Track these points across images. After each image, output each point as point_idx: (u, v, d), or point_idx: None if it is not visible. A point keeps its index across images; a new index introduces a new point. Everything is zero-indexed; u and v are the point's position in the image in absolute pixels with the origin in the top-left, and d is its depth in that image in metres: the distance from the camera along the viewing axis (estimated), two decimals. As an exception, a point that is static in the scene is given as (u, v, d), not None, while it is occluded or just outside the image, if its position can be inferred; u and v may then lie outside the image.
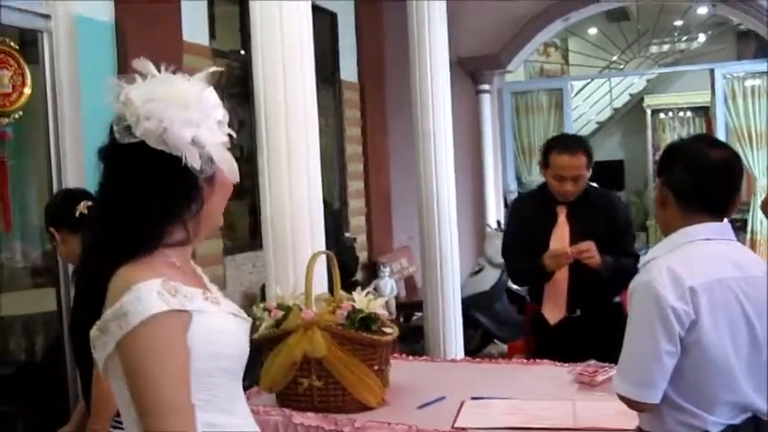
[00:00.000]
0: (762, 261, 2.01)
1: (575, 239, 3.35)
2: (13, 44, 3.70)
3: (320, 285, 2.91)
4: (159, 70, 1.47)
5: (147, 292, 1.34)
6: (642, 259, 1.99)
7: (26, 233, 5.86)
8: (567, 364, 2.91)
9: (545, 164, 3.46)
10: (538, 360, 3.12)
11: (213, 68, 1.53)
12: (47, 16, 3.87)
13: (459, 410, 2.49)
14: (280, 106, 3.24)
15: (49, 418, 3.69)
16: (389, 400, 2.61)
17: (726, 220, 2.01)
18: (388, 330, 2.59)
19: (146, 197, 1.41)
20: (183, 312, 1.37)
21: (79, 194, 2.64)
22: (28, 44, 3.88)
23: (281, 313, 2.56)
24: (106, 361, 1.39)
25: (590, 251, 3.25)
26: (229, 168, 1.47)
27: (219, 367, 1.43)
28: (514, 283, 5.22)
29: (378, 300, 2.59)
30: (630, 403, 1.88)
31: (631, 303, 1.89)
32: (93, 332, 1.39)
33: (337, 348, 2.47)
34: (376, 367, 2.55)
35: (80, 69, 3.91)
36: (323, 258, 2.83)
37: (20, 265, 6.03)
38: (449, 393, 2.66)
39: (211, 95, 1.46)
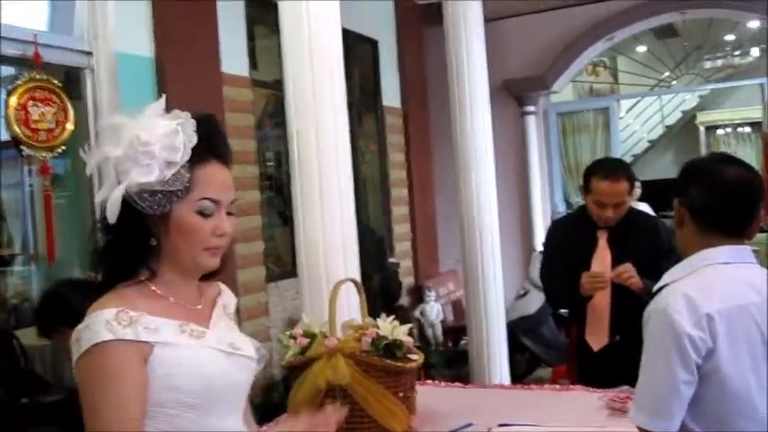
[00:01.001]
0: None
1: (616, 265, 3.28)
2: (56, 81, 3.83)
3: (356, 312, 2.92)
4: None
5: (96, 321, 1.41)
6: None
7: (79, 263, 6.03)
8: (599, 390, 2.86)
9: (586, 189, 3.41)
10: (570, 386, 3.07)
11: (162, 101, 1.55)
12: (89, 53, 4.01)
13: (485, 438, 2.47)
14: (311, 134, 3.27)
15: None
16: (416, 426, 2.59)
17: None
18: (413, 357, 2.58)
19: (107, 234, 1.50)
20: (137, 342, 1.41)
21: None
22: (71, 81, 4.02)
23: (306, 341, 2.58)
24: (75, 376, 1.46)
25: (628, 272, 3.19)
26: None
27: (179, 401, 1.45)
28: (551, 305, 5.16)
29: (402, 326, 2.58)
30: None
31: (646, 331, 1.86)
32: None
33: (361, 375, 2.47)
34: (401, 394, 2.54)
35: (122, 104, 4.03)
36: (355, 286, 2.83)
37: (75, 294, 6.20)
38: (477, 420, 2.64)
39: (169, 136, 1.46)
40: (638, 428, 1.85)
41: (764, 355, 1.80)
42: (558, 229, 3.87)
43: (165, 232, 1.49)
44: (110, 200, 1.46)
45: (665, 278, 1.93)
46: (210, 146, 1.52)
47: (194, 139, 1.48)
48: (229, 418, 1.55)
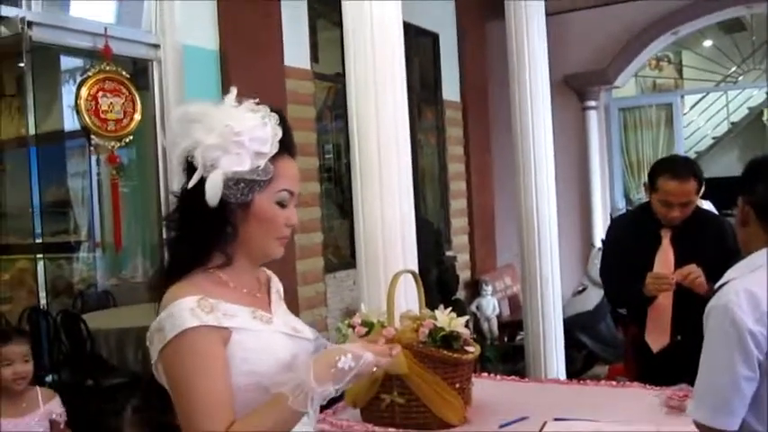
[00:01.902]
0: None
1: (680, 265, 3.19)
2: (124, 73, 3.94)
3: (413, 303, 2.95)
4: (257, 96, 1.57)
5: (180, 309, 1.44)
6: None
7: (145, 251, 6.20)
8: (656, 388, 2.83)
9: (652, 187, 3.33)
10: (627, 383, 3.05)
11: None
12: (156, 46, 4.12)
13: (540, 431, 2.47)
14: (371, 127, 3.31)
15: (159, 423, 3.90)
16: (471, 418, 2.61)
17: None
18: (469, 349, 2.60)
19: (185, 218, 1.54)
20: (219, 328, 1.46)
21: None
22: (139, 72, 4.13)
23: (364, 330, 2.62)
24: (155, 366, 1.51)
25: (694, 273, 3.09)
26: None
27: (257, 384, 1.48)
28: (613, 305, 5.11)
29: (460, 318, 2.60)
30: (707, 431, 1.82)
31: (707, 327, 1.84)
32: (147, 341, 1.51)
33: (418, 366, 2.50)
34: (457, 385, 2.56)
35: (187, 95, 4.13)
36: (413, 277, 2.86)
37: (139, 280, 6.40)
38: (533, 413, 2.64)
39: (258, 128, 1.51)
40: (696, 424, 1.83)
41: None
42: (619, 227, 3.79)
43: (243, 220, 1.54)
44: (210, 184, 1.49)
45: (727, 275, 1.90)
46: (285, 139, 1.57)
47: (280, 133, 1.54)
48: None
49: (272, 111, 1.57)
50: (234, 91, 1.58)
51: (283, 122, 1.58)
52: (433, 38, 7.18)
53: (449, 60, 7.39)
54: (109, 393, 4.62)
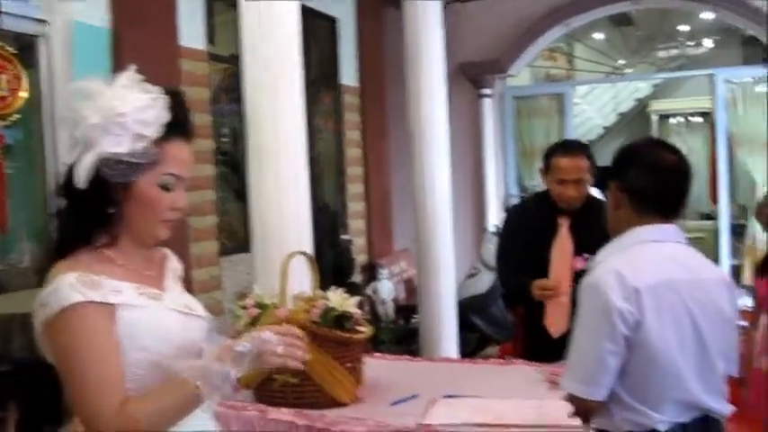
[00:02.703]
0: (710, 263, 2.07)
1: (578, 253, 3.27)
2: (10, 49, 3.79)
3: (308, 285, 2.97)
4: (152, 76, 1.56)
5: (62, 285, 1.45)
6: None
7: (32, 234, 5.99)
8: (539, 364, 2.96)
9: (546, 169, 3.41)
10: (513, 360, 3.17)
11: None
12: (44, 21, 3.97)
13: (429, 408, 2.55)
14: (267, 110, 3.31)
15: (44, 413, 3.80)
16: (364, 397, 2.67)
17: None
18: (361, 329, 2.66)
19: (68, 196, 1.54)
20: (104, 304, 1.47)
21: None
22: (25, 49, 3.97)
23: (257, 311, 2.63)
24: (39, 340, 1.51)
25: None
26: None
27: (148, 360, 1.50)
28: (510, 299, 5.19)
29: (351, 299, 2.65)
30: (578, 401, 1.93)
31: (579, 304, 1.95)
32: (33, 316, 1.50)
33: (311, 346, 2.52)
34: (349, 364, 2.61)
35: (76, 74, 3.99)
36: (306, 259, 2.88)
37: (26, 265, 6.18)
38: (423, 392, 2.72)
39: (143, 110, 1.50)
40: (569, 396, 1.95)
41: (689, 327, 1.91)
42: (516, 216, 3.81)
43: (126, 202, 1.54)
44: (80, 165, 1.49)
45: (600, 256, 2.03)
46: (178, 122, 1.56)
47: (166, 116, 1.53)
48: None
49: (171, 92, 1.56)
50: (131, 70, 1.56)
51: (181, 105, 1.58)
52: (332, 22, 7.17)
53: (347, 45, 7.39)
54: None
